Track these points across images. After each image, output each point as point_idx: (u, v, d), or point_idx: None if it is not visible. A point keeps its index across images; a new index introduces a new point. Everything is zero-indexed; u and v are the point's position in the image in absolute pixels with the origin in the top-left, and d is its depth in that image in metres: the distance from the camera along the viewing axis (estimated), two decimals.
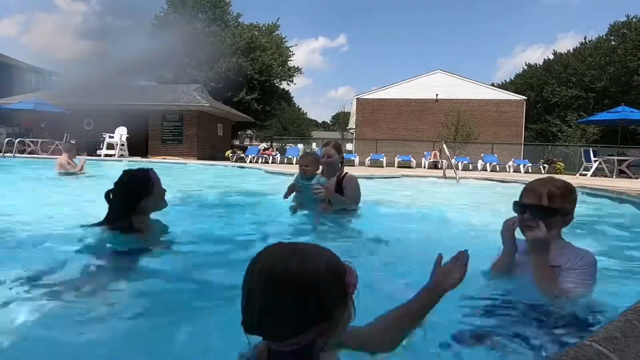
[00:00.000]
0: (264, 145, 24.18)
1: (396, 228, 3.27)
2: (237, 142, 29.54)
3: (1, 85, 20.44)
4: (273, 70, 29.85)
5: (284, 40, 31.49)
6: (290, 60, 31.60)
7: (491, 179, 8.55)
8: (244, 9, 69.16)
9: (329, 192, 3.20)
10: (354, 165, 17.03)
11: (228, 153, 17.58)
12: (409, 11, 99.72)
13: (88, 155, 15.31)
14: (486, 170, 16.18)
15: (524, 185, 1.66)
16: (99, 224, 2.14)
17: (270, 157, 17.02)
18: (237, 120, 23.69)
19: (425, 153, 18.22)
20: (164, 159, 15.10)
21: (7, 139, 14.00)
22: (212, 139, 19.42)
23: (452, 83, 23.89)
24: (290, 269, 0.71)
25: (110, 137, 15.58)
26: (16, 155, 12.48)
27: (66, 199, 4.34)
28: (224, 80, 26.06)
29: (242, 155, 17.34)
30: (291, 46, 31.93)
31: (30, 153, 14.26)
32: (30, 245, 2.30)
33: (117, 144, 15.45)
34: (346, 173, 3.52)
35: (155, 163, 12.35)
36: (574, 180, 9.86)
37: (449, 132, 19.06)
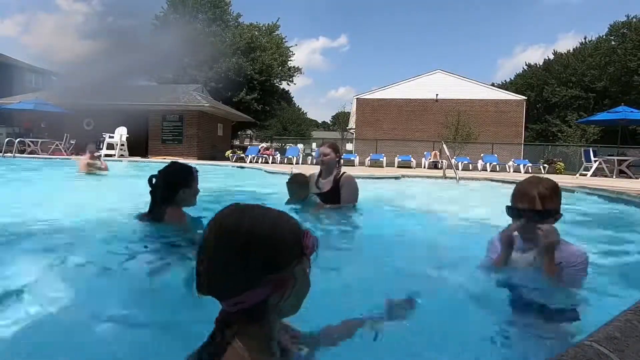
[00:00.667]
0: (263, 145, 24.18)
1: (395, 228, 3.27)
2: (237, 142, 29.54)
3: (1, 85, 20.43)
4: (273, 70, 29.84)
5: (284, 40, 31.51)
6: (290, 60, 31.63)
7: (491, 179, 8.55)
8: (244, 9, 69.26)
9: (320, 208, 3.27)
10: (353, 165, 17.03)
11: (228, 153, 17.58)
12: (410, 11, 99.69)
13: None
14: (486, 170, 16.17)
15: (514, 189, 1.69)
16: (139, 217, 2.32)
17: (270, 157, 17.02)
18: (237, 120, 23.70)
19: (425, 153, 18.22)
20: (164, 159, 15.10)
21: (7, 139, 14.01)
22: (212, 139, 19.42)
23: (452, 83, 23.88)
24: (242, 223, 0.72)
25: (110, 137, 15.59)
26: (16, 155, 12.48)
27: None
28: (224, 80, 26.07)
29: (242, 155, 17.34)
30: (291, 46, 31.97)
31: (30, 153, 14.27)
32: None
33: (117, 144, 15.46)
34: (344, 173, 3.52)
35: (155, 163, 12.37)
36: (574, 180, 9.87)
37: (449, 132, 19.06)
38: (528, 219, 1.60)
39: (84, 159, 6.66)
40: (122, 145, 15.62)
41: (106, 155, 14.90)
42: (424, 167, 16.98)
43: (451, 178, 7.90)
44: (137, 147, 16.54)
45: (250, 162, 16.00)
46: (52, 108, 15.74)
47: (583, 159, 12.82)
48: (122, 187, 6.11)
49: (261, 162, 16.11)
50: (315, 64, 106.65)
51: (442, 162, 14.22)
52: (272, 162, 16.34)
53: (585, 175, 11.85)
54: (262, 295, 0.71)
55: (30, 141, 14.70)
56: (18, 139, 13.56)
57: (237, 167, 11.58)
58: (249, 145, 26.09)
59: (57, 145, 15.42)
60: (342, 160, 3.65)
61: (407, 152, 19.54)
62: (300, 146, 24.13)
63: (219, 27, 29.06)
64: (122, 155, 15.15)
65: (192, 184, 2.28)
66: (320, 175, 3.52)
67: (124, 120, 15.85)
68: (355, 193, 3.51)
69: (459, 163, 15.60)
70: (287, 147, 24.05)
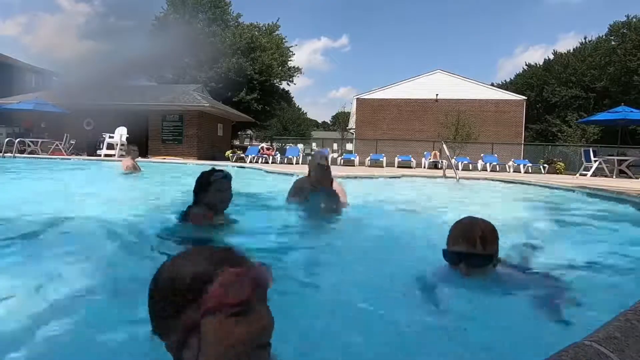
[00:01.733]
0: (263, 145, 24.18)
1: (393, 228, 3.27)
2: (237, 142, 29.54)
3: (1, 86, 20.44)
4: (273, 71, 29.83)
5: (284, 40, 31.50)
6: (290, 61, 31.62)
7: (491, 178, 8.55)
8: (245, 8, 69.32)
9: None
10: (354, 166, 17.03)
11: (228, 153, 17.58)
12: (411, 11, 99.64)
13: (88, 156, 15.33)
14: (486, 170, 16.17)
15: (450, 231, 1.56)
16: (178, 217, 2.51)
17: (270, 157, 17.01)
18: (237, 120, 23.69)
19: (425, 153, 18.22)
20: (164, 159, 15.11)
21: (7, 139, 14.00)
22: (212, 139, 19.42)
23: (452, 83, 23.88)
24: (157, 274, 0.71)
25: (110, 137, 15.58)
26: (16, 155, 12.48)
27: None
28: (224, 80, 26.07)
29: (242, 155, 17.35)
30: (291, 46, 31.96)
31: (30, 153, 14.26)
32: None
33: (117, 144, 15.45)
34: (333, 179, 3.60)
35: (155, 163, 12.37)
36: (574, 180, 9.87)
37: (449, 132, 19.06)
38: (467, 264, 1.48)
39: (126, 161, 7.64)
40: (122, 145, 15.61)
41: (106, 155, 14.90)
42: (424, 167, 16.98)
43: (451, 178, 7.91)
44: (137, 147, 16.48)
45: (250, 162, 16.00)
46: (52, 108, 15.74)
47: (583, 159, 12.81)
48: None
49: (261, 162, 16.10)
50: (317, 64, 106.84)
51: (442, 162, 14.22)
52: (272, 162, 16.34)
53: (586, 175, 11.84)
54: (172, 346, 0.68)
55: (30, 141, 14.70)
56: (18, 139, 13.56)
57: (237, 167, 11.58)
58: (249, 145, 26.09)
59: (57, 145, 15.42)
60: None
61: (407, 152, 19.54)
62: (301, 146, 24.13)
63: (219, 27, 29.05)
64: (122, 155, 15.13)
65: (208, 189, 2.40)
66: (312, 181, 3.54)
67: (124, 120, 15.85)
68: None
69: (459, 163, 15.59)
70: (287, 147, 24.06)
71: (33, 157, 12.77)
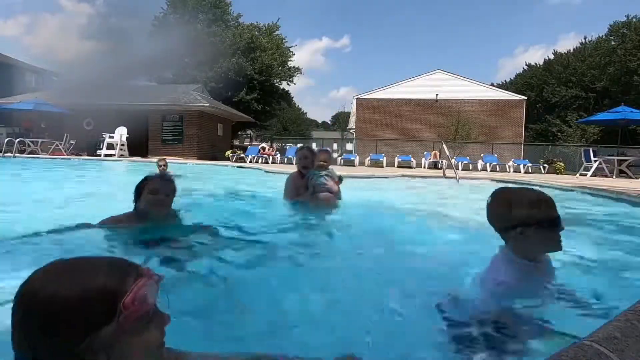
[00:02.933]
0: (263, 145, 24.18)
1: (392, 227, 3.27)
2: (237, 142, 29.54)
3: (1, 86, 20.44)
4: (273, 71, 29.83)
5: (284, 40, 31.50)
6: (291, 61, 31.62)
7: (491, 178, 8.55)
8: (246, 9, 69.07)
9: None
10: (354, 166, 17.03)
11: (228, 153, 17.58)
12: (412, 12, 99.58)
13: (88, 155, 15.34)
14: (486, 170, 16.18)
15: (541, 199, 1.47)
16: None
17: (271, 157, 17.01)
18: (237, 121, 23.69)
19: (425, 153, 18.22)
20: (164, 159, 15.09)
21: (7, 138, 14.01)
22: (212, 139, 19.42)
23: (452, 83, 23.88)
24: (35, 293, 0.58)
25: (110, 137, 15.59)
26: (16, 155, 12.48)
27: None
28: (224, 80, 26.06)
29: (242, 155, 17.35)
30: (291, 46, 31.95)
31: (30, 153, 14.26)
32: None
33: (117, 144, 15.46)
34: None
35: (154, 163, 12.36)
36: (574, 180, 9.87)
37: (449, 132, 19.06)
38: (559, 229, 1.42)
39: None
40: (122, 145, 15.62)
41: (106, 155, 14.91)
42: (424, 167, 16.98)
43: (451, 178, 7.90)
44: (138, 147, 16.54)
45: (250, 162, 16.00)
46: (52, 108, 15.75)
47: (583, 159, 12.81)
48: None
49: (261, 162, 16.11)
50: (318, 64, 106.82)
51: (442, 162, 14.21)
52: (272, 162, 16.34)
53: (586, 175, 11.84)
54: None
55: (30, 141, 14.70)
56: (18, 139, 13.57)
57: (237, 167, 11.58)
58: (249, 145, 26.09)
59: (57, 145, 15.43)
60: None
61: (407, 152, 19.55)
62: (300, 145, 24.16)
63: (219, 27, 29.04)
64: (122, 155, 15.15)
65: (141, 192, 2.32)
66: (303, 177, 3.64)
67: (124, 120, 15.86)
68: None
69: (459, 163, 15.60)
70: (287, 147, 24.06)
71: (33, 157, 12.77)
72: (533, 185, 7.13)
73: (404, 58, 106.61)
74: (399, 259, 2.25)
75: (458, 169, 11.71)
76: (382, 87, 25.17)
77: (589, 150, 12.67)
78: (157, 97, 18.27)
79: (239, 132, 33.38)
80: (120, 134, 15.68)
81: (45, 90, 20.51)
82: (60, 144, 15.60)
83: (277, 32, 31.46)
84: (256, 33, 29.98)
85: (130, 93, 18.66)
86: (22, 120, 17.72)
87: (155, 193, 2.31)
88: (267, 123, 34.15)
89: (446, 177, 8.18)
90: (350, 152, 25.97)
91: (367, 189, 6.19)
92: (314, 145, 31.48)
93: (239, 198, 5.17)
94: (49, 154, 14.28)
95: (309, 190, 3.42)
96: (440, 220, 3.75)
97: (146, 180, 2.35)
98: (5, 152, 12.44)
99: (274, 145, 27.49)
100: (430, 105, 23.67)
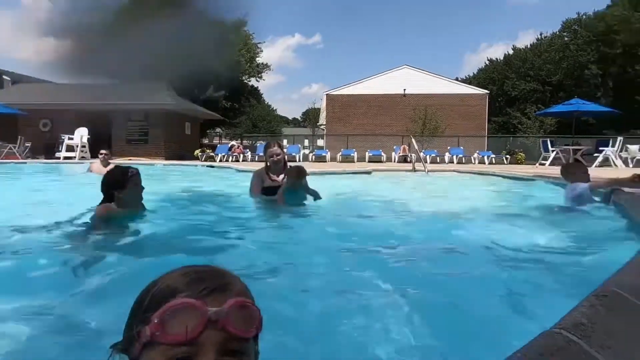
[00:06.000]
0: (233, 142, 23.74)
1: (364, 223, 3.32)
2: (206, 141, 28.86)
3: None
4: (241, 67, 29.34)
5: (251, 36, 31.00)
6: (259, 57, 31.21)
7: (457, 170, 8.84)
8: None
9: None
10: (325, 162, 17.09)
11: (197, 152, 17.14)
12: (383, 10, 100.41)
13: (46, 158, 14.48)
14: (453, 162, 16.69)
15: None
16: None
17: (241, 155, 16.75)
18: (206, 119, 23.14)
19: (394, 147, 18.55)
20: (129, 159, 14.51)
21: None
22: (180, 139, 18.87)
23: (418, 78, 24.43)
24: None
25: (69, 138, 14.79)
26: None
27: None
28: (190, 77, 25.33)
29: (212, 154, 16.97)
30: (260, 43, 31.52)
31: None
32: None
33: (77, 146, 14.69)
34: (290, 167, 3.71)
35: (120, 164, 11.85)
36: (533, 169, 10.38)
37: (416, 126, 19.49)
38: None
39: (96, 165, 7.43)
40: (84, 146, 14.86)
41: (65, 158, 14.13)
42: (394, 161, 17.30)
43: (420, 171, 8.10)
44: (100, 147, 15.77)
45: (220, 160, 15.69)
46: (3, 109, 14.74)
47: (541, 149, 13.48)
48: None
49: (232, 161, 15.83)
50: (289, 60, 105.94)
51: (411, 156, 14.52)
52: (242, 160, 16.10)
53: (544, 164, 12.47)
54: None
55: None
56: None
57: (207, 166, 11.32)
58: (219, 143, 25.58)
59: (10, 148, 14.47)
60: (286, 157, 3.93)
61: (377, 147, 19.82)
62: (268, 143, 23.91)
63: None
64: (83, 157, 14.41)
65: (125, 185, 2.52)
66: (268, 171, 3.71)
67: (85, 120, 15.09)
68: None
69: (427, 156, 16.00)
70: (258, 144, 23.77)
71: None
72: (496, 175, 7.43)
73: (373, 55, 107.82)
74: (365, 253, 2.27)
75: (427, 162, 12.00)
76: (351, 82, 25.37)
77: (547, 140, 13.34)
78: (119, 96, 17.47)
79: (208, 131, 32.62)
80: (81, 135, 14.91)
81: None
82: (15, 147, 14.64)
83: (244, 28, 30.88)
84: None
85: (89, 92, 17.75)
86: None
87: (139, 184, 2.59)
88: (236, 120, 33.56)
89: (415, 171, 8.37)
90: (321, 148, 26.03)
91: (339, 185, 6.23)
92: (284, 142, 31.32)
93: (209, 199, 5.06)
94: (2, 158, 13.36)
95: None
96: (407, 213, 3.83)
97: (130, 174, 2.55)
98: None
99: (244, 142, 27.09)
100: (398, 100, 24.12)
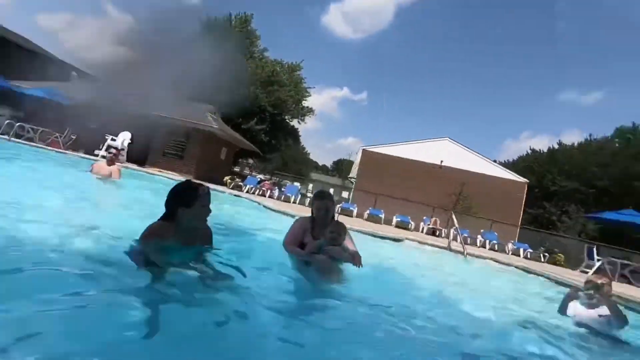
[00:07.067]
0: (260, 177, 23.78)
1: (397, 297, 2.81)
2: (237, 169, 29.22)
3: (20, 70, 20.38)
4: (287, 106, 30.27)
5: (303, 80, 32.26)
6: (305, 100, 32.19)
7: (495, 259, 8.09)
8: (275, 47, 71.58)
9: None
10: (352, 217, 16.59)
11: (226, 179, 17.14)
12: (431, 83, 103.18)
13: (85, 154, 14.85)
14: (484, 247, 15.75)
15: None
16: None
17: (269, 191, 16.56)
18: (242, 148, 23.54)
19: (424, 218, 17.86)
20: (160, 171, 14.63)
21: (7, 121, 13.60)
22: (213, 162, 19.09)
23: (457, 152, 24.18)
24: None
25: (112, 139, 15.21)
26: (12, 139, 12.01)
27: None
28: (237, 106, 26.26)
29: (241, 183, 16.91)
30: (309, 88, 32.65)
31: (27, 140, 13.79)
32: None
33: (117, 148, 15.01)
34: (337, 221, 3.23)
35: (149, 175, 11.89)
36: (576, 276, 9.42)
37: (449, 201, 18.87)
38: None
39: (100, 165, 6.96)
40: (122, 149, 15.19)
41: (102, 157, 14.40)
42: (421, 231, 16.55)
43: (458, 252, 7.47)
44: (138, 154, 16.13)
45: (247, 192, 15.53)
46: (62, 99, 15.49)
47: (585, 255, 12.46)
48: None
49: (257, 194, 15.64)
50: (330, 110, 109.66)
51: (448, 232, 13.82)
52: (269, 197, 15.88)
53: (587, 273, 11.42)
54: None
55: (30, 127, 14.28)
56: (18, 123, 13.17)
57: (234, 195, 11.12)
58: (249, 174, 25.77)
59: (56, 137, 14.99)
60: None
61: (405, 212, 19.20)
62: (297, 184, 23.77)
63: (244, 56, 29.81)
64: (103, 157, 14.65)
65: (192, 204, 2.11)
66: (315, 226, 3.19)
67: (131, 125, 15.56)
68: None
69: (463, 236, 15.20)
70: (285, 183, 23.69)
71: (29, 144, 12.30)
72: (545, 277, 6.67)
73: (414, 122, 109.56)
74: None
75: (466, 243, 11.28)
76: (391, 143, 25.42)
77: (593, 248, 12.36)
78: (168, 109, 18.13)
79: (240, 160, 33.18)
80: (123, 138, 15.31)
81: (60, 81, 20.41)
82: (61, 136, 15.17)
83: (298, 72, 32.26)
84: (277, 69, 30.73)
85: (141, 100, 18.54)
86: (28, 105, 17.40)
87: (206, 206, 2.17)
88: (269, 156, 34.09)
89: (451, 250, 7.74)
90: (346, 200, 25.62)
91: (373, 248, 5.72)
92: (310, 187, 31.18)
93: (235, 231, 4.69)
94: (46, 144, 13.79)
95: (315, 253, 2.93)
96: (444, 299, 3.31)
97: (196, 190, 2.14)
98: (2, 134, 12.00)
99: (273, 179, 27.17)
100: (434, 170, 23.76)
